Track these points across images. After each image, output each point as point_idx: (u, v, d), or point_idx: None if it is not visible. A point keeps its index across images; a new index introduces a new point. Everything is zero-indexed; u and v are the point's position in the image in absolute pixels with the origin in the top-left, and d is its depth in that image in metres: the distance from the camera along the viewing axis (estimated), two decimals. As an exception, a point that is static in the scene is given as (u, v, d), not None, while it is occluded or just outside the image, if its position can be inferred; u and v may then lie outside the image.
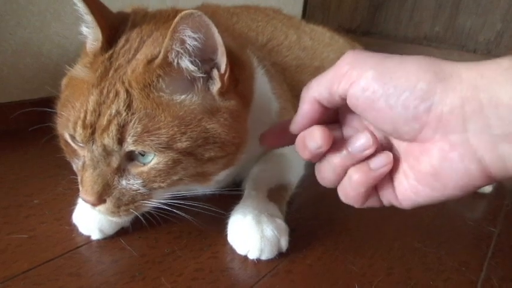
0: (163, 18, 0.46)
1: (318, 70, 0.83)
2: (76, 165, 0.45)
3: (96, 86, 0.41)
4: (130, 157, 0.42)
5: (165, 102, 0.41)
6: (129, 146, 0.40)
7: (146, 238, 0.51)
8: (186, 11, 0.37)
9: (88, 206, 0.44)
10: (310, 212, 0.60)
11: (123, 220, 0.46)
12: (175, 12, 0.48)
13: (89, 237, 0.51)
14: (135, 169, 0.43)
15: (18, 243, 0.49)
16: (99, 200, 0.42)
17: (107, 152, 0.41)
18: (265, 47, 0.79)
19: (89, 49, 0.45)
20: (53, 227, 0.53)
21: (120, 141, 0.40)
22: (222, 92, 0.44)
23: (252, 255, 0.49)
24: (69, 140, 0.45)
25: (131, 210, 0.44)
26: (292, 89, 0.76)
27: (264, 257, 0.49)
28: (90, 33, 0.44)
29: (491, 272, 0.52)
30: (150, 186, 0.43)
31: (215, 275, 0.47)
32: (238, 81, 0.46)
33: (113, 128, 0.40)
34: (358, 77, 0.31)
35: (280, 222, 0.51)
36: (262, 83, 0.59)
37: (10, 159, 0.72)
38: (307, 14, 1.59)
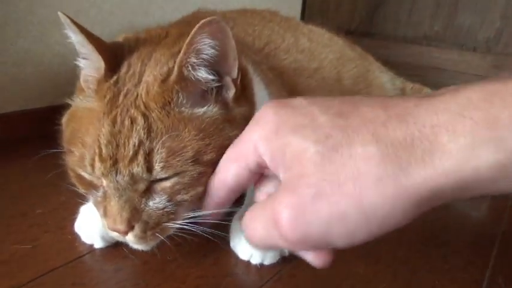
0: (156, 39, 0.48)
1: (317, 72, 0.83)
2: (94, 196, 0.44)
3: (107, 114, 0.41)
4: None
5: (187, 117, 0.41)
6: (159, 173, 0.40)
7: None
8: (204, 20, 0.38)
9: (114, 234, 0.43)
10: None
11: (150, 247, 0.44)
12: (166, 32, 0.49)
13: (91, 245, 0.51)
14: (159, 186, 0.42)
15: (23, 253, 0.49)
16: (129, 226, 0.41)
17: (134, 181, 0.40)
18: (263, 51, 0.79)
19: (85, 81, 0.45)
20: (56, 236, 0.53)
21: (149, 169, 0.40)
22: (236, 98, 0.44)
23: (255, 260, 0.49)
24: (83, 173, 0.43)
25: (157, 235, 0.43)
26: (290, 92, 0.76)
27: (266, 262, 0.49)
28: (89, 64, 0.44)
29: (496, 271, 0.51)
30: (175, 200, 0.42)
31: (218, 281, 0.47)
32: (244, 86, 0.46)
33: (141, 159, 0.39)
34: None
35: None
36: (259, 90, 0.59)
37: (12, 168, 0.72)
38: (306, 16, 1.60)
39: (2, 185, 0.66)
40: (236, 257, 0.50)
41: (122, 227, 0.41)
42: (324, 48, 0.88)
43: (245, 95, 0.48)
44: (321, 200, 0.27)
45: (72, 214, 0.57)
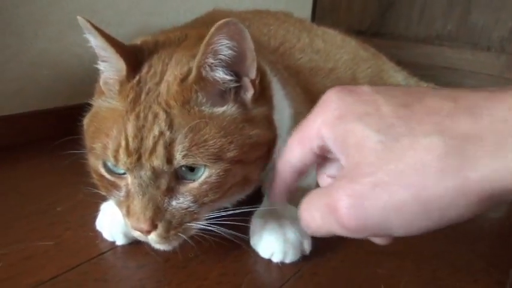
0: (176, 41, 0.49)
1: (332, 72, 0.83)
2: (117, 197, 0.44)
3: (130, 111, 0.41)
4: (178, 176, 0.42)
5: (207, 115, 0.41)
6: (180, 162, 0.40)
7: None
8: (221, 21, 0.38)
9: (136, 233, 0.43)
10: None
11: (172, 247, 0.44)
12: (185, 34, 0.50)
13: (113, 242, 0.51)
14: (184, 187, 0.42)
15: (45, 249, 0.50)
16: (152, 225, 0.41)
17: (156, 175, 0.41)
18: (278, 50, 0.79)
19: (105, 83, 0.46)
20: (78, 234, 0.53)
21: (169, 160, 0.40)
22: (255, 99, 0.44)
23: (276, 259, 0.49)
24: (105, 173, 0.44)
25: (180, 234, 0.43)
26: (306, 91, 0.76)
27: (287, 260, 0.49)
28: (109, 67, 0.45)
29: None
30: (201, 201, 0.42)
31: (240, 279, 0.47)
32: (264, 87, 0.47)
33: (160, 149, 0.40)
34: None
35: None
36: (277, 90, 0.60)
37: (30, 168, 0.73)
38: (317, 17, 1.59)
39: (19, 184, 0.67)
40: (256, 255, 0.50)
41: (145, 225, 0.41)
42: (338, 49, 0.88)
43: (264, 95, 0.48)
44: (380, 189, 0.27)
45: (91, 212, 0.57)
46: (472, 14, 1.36)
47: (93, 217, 0.56)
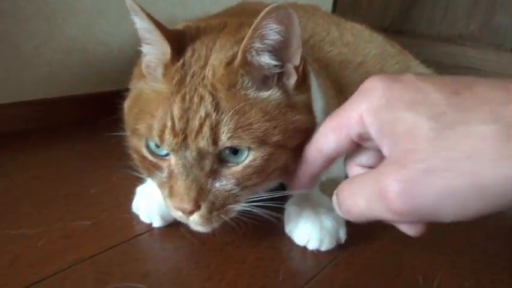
0: (217, 28, 0.49)
1: (361, 66, 0.82)
2: (159, 178, 0.45)
3: (176, 93, 0.42)
4: (221, 159, 0.42)
5: (252, 99, 0.42)
6: (225, 143, 0.40)
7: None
8: (272, 5, 0.38)
9: (177, 214, 0.44)
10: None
11: (212, 229, 0.45)
12: (224, 22, 0.50)
13: (149, 224, 0.52)
14: (227, 170, 0.42)
15: (83, 229, 0.50)
16: (196, 206, 0.41)
17: (200, 156, 0.41)
18: (308, 43, 0.79)
19: (147, 66, 0.46)
20: (114, 215, 0.54)
21: (215, 141, 0.40)
22: (297, 86, 0.44)
23: (312, 246, 0.49)
24: (148, 155, 0.44)
25: (222, 216, 0.43)
26: (335, 85, 0.75)
27: (323, 248, 0.49)
28: (153, 50, 0.45)
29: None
30: (243, 184, 0.43)
31: (276, 265, 0.47)
32: (305, 75, 0.47)
33: (206, 130, 0.40)
34: None
35: (338, 213, 0.51)
36: (312, 81, 0.60)
37: (62, 152, 0.74)
38: (337, 12, 1.59)
39: (51, 168, 0.67)
40: (291, 242, 0.50)
41: (189, 206, 0.41)
42: (367, 44, 0.87)
43: (305, 83, 0.48)
44: (433, 174, 0.27)
45: (125, 195, 0.58)
46: (496, 15, 1.35)
47: (128, 200, 0.56)
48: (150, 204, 0.52)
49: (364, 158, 0.37)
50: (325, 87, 0.69)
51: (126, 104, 0.50)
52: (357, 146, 0.37)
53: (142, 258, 0.46)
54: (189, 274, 0.44)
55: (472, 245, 0.53)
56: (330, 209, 0.52)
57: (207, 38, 0.47)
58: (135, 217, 0.53)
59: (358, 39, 0.87)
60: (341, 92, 0.76)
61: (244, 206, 0.44)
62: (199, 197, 0.41)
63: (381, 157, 0.37)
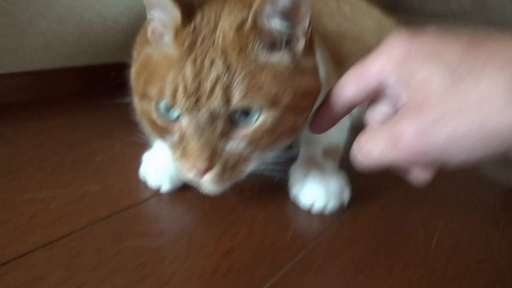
0: None
1: (359, 38, 0.83)
2: (170, 141, 0.45)
3: (186, 56, 0.42)
4: (232, 122, 0.43)
5: (262, 62, 0.42)
6: (237, 104, 0.41)
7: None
8: None
9: (189, 175, 0.44)
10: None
11: (222, 190, 0.46)
12: None
13: (157, 189, 0.53)
14: (238, 132, 0.43)
15: (93, 193, 0.51)
16: (210, 165, 0.42)
17: (212, 118, 0.42)
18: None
19: (153, 33, 0.46)
20: (122, 180, 0.55)
21: (227, 102, 0.41)
22: (305, 50, 0.45)
23: (317, 207, 0.51)
24: (158, 118, 0.45)
25: (233, 176, 0.44)
26: (333, 56, 0.76)
27: (328, 209, 0.51)
28: (162, 15, 0.45)
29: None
30: (254, 146, 0.44)
31: (284, 225, 0.49)
32: (311, 40, 0.47)
33: (218, 91, 0.41)
34: None
35: (342, 175, 0.53)
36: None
37: (63, 122, 0.74)
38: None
39: (54, 136, 0.67)
40: (296, 205, 0.52)
41: (202, 165, 0.42)
42: (364, 16, 0.88)
43: (312, 48, 0.49)
44: (445, 121, 0.30)
45: (130, 162, 0.59)
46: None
47: (133, 167, 0.57)
48: (158, 168, 0.53)
49: (383, 108, 0.40)
50: (325, 59, 0.70)
51: (133, 69, 0.50)
52: (376, 96, 0.39)
53: (155, 219, 0.48)
54: (202, 232, 0.46)
55: (470, 200, 0.57)
56: (335, 172, 0.54)
57: (215, 3, 0.47)
58: (142, 183, 0.54)
59: (356, 12, 0.87)
60: (339, 64, 0.77)
61: (255, 167, 0.45)
62: (213, 157, 0.42)
63: (398, 107, 0.40)
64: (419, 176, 0.36)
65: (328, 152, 0.60)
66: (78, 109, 0.79)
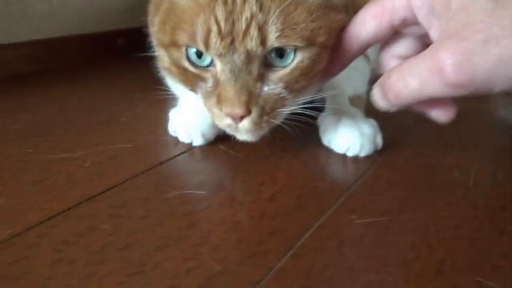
0: None
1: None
2: (203, 88, 0.44)
3: None
4: (268, 63, 0.42)
5: (295, 0, 0.41)
6: (273, 43, 0.40)
7: (242, 143, 0.52)
8: None
9: (227, 122, 0.43)
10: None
11: (259, 137, 0.45)
12: None
13: (189, 144, 0.52)
14: (274, 74, 0.42)
15: (126, 150, 0.51)
16: (247, 110, 0.41)
17: (248, 59, 0.40)
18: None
19: None
20: (151, 138, 0.55)
21: (263, 41, 0.40)
22: None
23: (352, 152, 0.51)
24: (189, 66, 0.43)
25: (271, 120, 0.43)
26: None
27: (363, 154, 0.51)
28: None
29: None
30: (292, 87, 0.43)
31: (322, 170, 0.49)
32: None
33: (254, 31, 0.39)
34: None
35: (372, 120, 0.53)
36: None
37: (79, 88, 0.73)
38: None
39: (73, 101, 0.67)
40: (329, 151, 0.52)
41: (240, 110, 0.41)
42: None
43: None
44: (491, 43, 0.28)
45: (155, 121, 0.58)
46: None
47: (159, 125, 0.57)
48: (188, 123, 0.52)
49: (403, 47, 0.38)
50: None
51: (157, 20, 0.48)
52: (395, 34, 0.37)
53: (193, 171, 0.47)
54: (242, 181, 0.45)
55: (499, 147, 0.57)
56: (365, 118, 0.54)
57: None
58: (172, 139, 0.54)
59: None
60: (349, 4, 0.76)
61: (290, 110, 0.45)
62: (250, 101, 0.41)
63: (420, 45, 0.39)
64: (442, 115, 0.35)
65: (353, 101, 0.59)
66: (91, 76, 0.78)
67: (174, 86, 0.56)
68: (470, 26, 0.29)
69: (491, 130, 0.64)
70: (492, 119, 0.69)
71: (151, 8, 0.60)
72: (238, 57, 0.40)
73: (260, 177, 0.46)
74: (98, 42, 0.89)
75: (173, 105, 0.57)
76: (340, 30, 0.44)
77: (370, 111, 0.50)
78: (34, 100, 0.65)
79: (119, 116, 0.61)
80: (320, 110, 0.54)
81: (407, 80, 0.33)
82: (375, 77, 0.61)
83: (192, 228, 0.37)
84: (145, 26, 0.59)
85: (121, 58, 0.88)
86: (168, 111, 0.56)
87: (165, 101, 0.57)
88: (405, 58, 0.37)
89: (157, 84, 0.59)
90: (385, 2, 0.36)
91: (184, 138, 0.53)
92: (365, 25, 0.38)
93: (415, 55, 0.38)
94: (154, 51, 0.60)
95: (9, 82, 0.71)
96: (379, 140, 0.52)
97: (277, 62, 0.42)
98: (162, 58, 0.48)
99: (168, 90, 0.57)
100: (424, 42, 0.38)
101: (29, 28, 0.79)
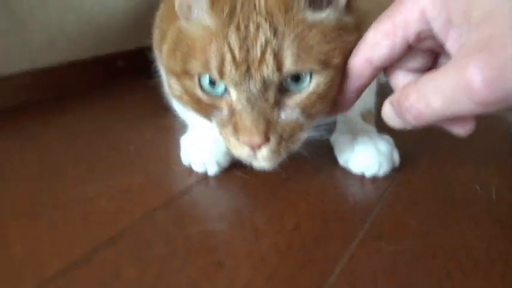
0: None
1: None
2: (218, 117, 0.43)
3: (228, 24, 0.39)
4: (284, 89, 0.41)
5: (310, 21, 0.40)
6: (290, 69, 0.39)
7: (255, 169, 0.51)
8: None
9: (245, 151, 0.42)
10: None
11: (277, 164, 0.44)
12: None
13: (203, 173, 0.51)
14: (290, 100, 0.41)
15: (139, 184, 0.49)
16: (266, 138, 0.40)
17: (265, 86, 0.40)
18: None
19: (181, 7, 0.43)
20: (163, 167, 0.53)
21: (279, 68, 0.39)
22: (346, 6, 0.43)
23: (370, 172, 0.50)
24: (203, 95, 0.42)
25: (290, 146, 0.42)
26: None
27: (381, 172, 0.50)
28: None
29: None
30: (309, 112, 0.42)
31: (341, 192, 0.48)
32: None
33: (269, 57, 0.38)
34: None
35: (387, 136, 0.52)
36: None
37: (80, 117, 0.71)
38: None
39: (78, 130, 0.65)
40: (346, 172, 0.51)
41: (259, 139, 0.40)
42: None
43: (351, 4, 0.47)
44: None
45: (165, 148, 0.57)
46: None
47: (169, 153, 0.56)
48: (201, 152, 0.51)
49: (412, 61, 0.36)
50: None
51: (165, 48, 0.47)
52: (408, 49, 0.35)
53: (211, 202, 0.46)
54: (263, 209, 0.45)
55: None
56: (379, 135, 0.53)
57: None
58: (184, 167, 0.53)
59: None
60: (359, 25, 0.75)
61: (309, 134, 0.44)
62: (268, 129, 0.40)
63: (431, 58, 0.37)
64: (462, 130, 0.33)
65: (364, 117, 0.58)
66: (93, 101, 0.76)
67: (183, 112, 0.55)
68: (498, 38, 0.27)
69: (504, 136, 0.63)
70: (503, 124, 0.68)
71: (156, 33, 0.59)
72: (254, 85, 0.40)
73: (280, 205, 0.45)
74: (97, 66, 0.88)
75: (182, 131, 0.56)
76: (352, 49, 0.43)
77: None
78: (38, 133, 0.64)
79: (127, 143, 0.59)
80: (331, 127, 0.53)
81: (429, 99, 0.30)
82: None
83: (219, 267, 0.36)
84: (149, 49, 0.58)
85: (122, 80, 0.87)
86: (177, 137, 0.55)
87: (172, 125, 0.56)
88: (414, 72, 0.37)
89: (162, 107, 0.59)
90: (395, 18, 0.33)
91: (198, 167, 0.51)
92: (377, 46, 0.35)
93: (426, 69, 0.37)
94: (160, 77, 0.60)
95: (10, 114, 0.70)
96: (396, 157, 0.51)
97: (293, 86, 0.41)
98: (173, 86, 0.47)
99: (175, 116, 0.56)
100: (436, 55, 0.36)
101: (28, 58, 0.77)
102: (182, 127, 0.57)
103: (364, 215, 0.43)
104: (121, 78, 0.88)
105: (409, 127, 0.34)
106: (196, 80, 0.42)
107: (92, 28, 0.87)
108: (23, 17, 0.75)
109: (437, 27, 0.31)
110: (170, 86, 0.48)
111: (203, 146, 0.51)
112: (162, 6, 0.59)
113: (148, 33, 0.60)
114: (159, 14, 0.58)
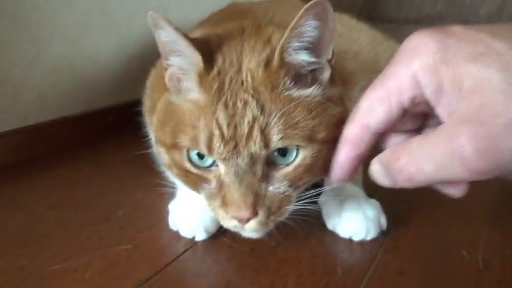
0: (237, 32, 0.47)
1: (357, 55, 0.84)
2: (207, 189, 0.44)
3: (216, 101, 0.41)
4: (271, 162, 0.42)
5: (296, 98, 0.41)
6: (277, 144, 0.40)
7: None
8: (311, 2, 0.38)
9: (233, 223, 0.43)
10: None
11: (264, 234, 0.44)
12: (241, 26, 0.48)
13: (191, 239, 0.51)
14: (278, 173, 0.42)
15: (127, 253, 0.49)
16: (254, 212, 0.41)
17: (253, 161, 0.40)
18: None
19: (170, 80, 0.45)
20: (152, 235, 0.53)
21: (266, 144, 0.40)
22: (330, 79, 0.45)
23: (358, 237, 0.50)
24: (191, 168, 0.43)
25: (278, 218, 0.43)
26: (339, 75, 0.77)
27: (369, 238, 0.50)
28: (182, 61, 0.43)
29: None
30: (296, 184, 0.43)
31: (331, 260, 0.48)
32: (333, 67, 0.47)
33: (256, 134, 0.39)
34: None
35: (374, 201, 0.53)
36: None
37: (68, 179, 0.70)
38: (306, 1, 1.61)
39: (65, 195, 0.64)
40: (335, 236, 0.51)
41: (247, 213, 0.41)
42: (357, 33, 0.89)
43: (335, 75, 0.48)
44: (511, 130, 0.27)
45: (154, 213, 0.57)
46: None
47: (158, 218, 0.55)
48: (189, 218, 0.51)
49: (407, 124, 0.36)
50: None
51: (155, 119, 0.48)
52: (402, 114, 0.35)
53: (199, 274, 0.46)
54: (252, 282, 0.44)
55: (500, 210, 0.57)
56: (366, 198, 0.54)
57: (232, 43, 0.46)
58: (173, 234, 0.52)
59: (349, 29, 0.89)
60: (344, 83, 0.77)
61: (296, 205, 0.44)
62: (256, 203, 0.41)
63: (420, 120, 0.37)
64: (455, 191, 0.34)
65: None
66: (81, 160, 0.76)
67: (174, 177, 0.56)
68: (487, 108, 0.28)
69: (499, 195, 0.63)
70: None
71: (146, 99, 0.61)
72: (242, 161, 0.40)
73: (269, 277, 0.45)
74: (86, 122, 0.89)
75: (172, 195, 0.56)
76: (339, 123, 0.45)
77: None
78: (23, 196, 0.63)
79: (116, 209, 0.59)
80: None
81: (421, 164, 0.31)
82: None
83: None
84: (140, 102, 0.59)
85: (111, 136, 0.88)
86: (167, 201, 0.55)
87: (163, 184, 0.56)
88: (404, 132, 0.37)
89: (152, 166, 0.59)
90: (388, 83, 0.33)
91: (185, 233, 0.51)
92: (373, 112, 0.35)
93: (414, 129, 0.38)
94: (150, 138, 0.61)
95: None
96: (383, 221, 0.52)
97: (280, 160, 0.42)
98: (162, 156, 0.47)
99: (166, 180, 0.56)
100: (425, 116, 0.37)
101: (18, 116, 0.78)
102: (172, 190, 0.56)
103: (354, 285, 0.43)
104: (112, 132, 0.89)
105: (397, 187, 0.34)
106: (185, 152, 0.43)
107: (83, 84, 0.89)
108: (16, 78, 0.77)
109: (428, 93, 0.31)
110: (160, 156, 0.48)
111: (191, 212, 0.51)
112: (153, 73, 0.61)
113: (140, 87, 0.62)
114: (150, 82, 0.60)
